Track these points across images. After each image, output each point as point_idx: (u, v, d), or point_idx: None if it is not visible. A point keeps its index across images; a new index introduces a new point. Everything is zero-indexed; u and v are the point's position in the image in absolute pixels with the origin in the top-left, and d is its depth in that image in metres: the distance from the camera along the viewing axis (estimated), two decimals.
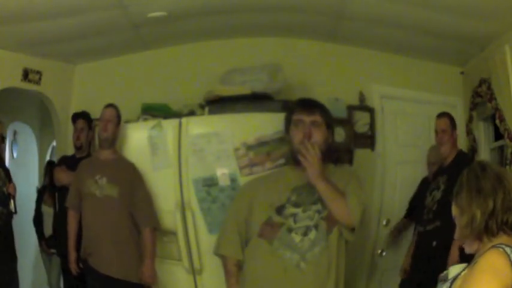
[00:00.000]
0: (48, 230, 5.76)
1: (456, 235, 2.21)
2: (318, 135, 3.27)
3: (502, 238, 2.10)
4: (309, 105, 3.38)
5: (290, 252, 3.17)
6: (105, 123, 4.18)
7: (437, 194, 4.12)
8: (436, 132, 4.28)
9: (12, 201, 4.30)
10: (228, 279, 3.41)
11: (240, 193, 3.59)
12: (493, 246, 2.08)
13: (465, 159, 4.17)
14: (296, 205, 3.22)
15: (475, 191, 2.14)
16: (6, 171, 4.48)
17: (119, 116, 4.25)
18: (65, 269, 4.80)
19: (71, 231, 4.23)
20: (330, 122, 3.38)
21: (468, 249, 2.19)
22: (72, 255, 4.23)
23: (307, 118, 3.29)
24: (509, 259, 2.05)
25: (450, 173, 4.10)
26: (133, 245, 4.11)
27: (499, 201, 2.10)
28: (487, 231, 2.11)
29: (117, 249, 4.04)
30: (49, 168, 5.98)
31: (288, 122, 3.38)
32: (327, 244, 3.17)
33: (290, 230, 3.20)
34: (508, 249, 2.06)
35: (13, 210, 4.31)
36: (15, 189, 4.35)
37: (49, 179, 5.60)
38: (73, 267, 4.25)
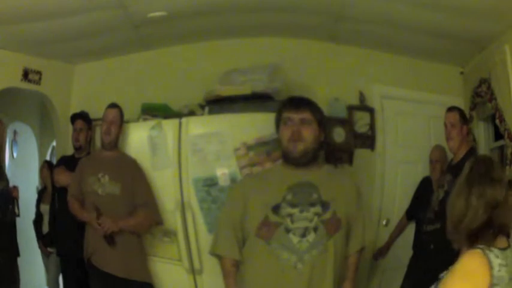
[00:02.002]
0: (46, 228, 5.76)
1: (448, 233, 2.22)
2: (307, 133, 3.26)
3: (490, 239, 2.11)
4: (298, 102, 3.37)
5: (288, 253, 3.17)
6: (108, 125, 4.15)
7: (441, 194, 4.10)
8: (445, 125, 4.18)
9: (16, 204, 4.32)
10: (226, 279, 3.40)
11: (233, 192, 3.56)
12: (472, 248, 2.08)
13: None
14: (292, 205, 3.21)
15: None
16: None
17: (122, 117, 4.24)
18: (64, 269, 4.81)
19: (78, 211, 4.08)
20: (322, 120, 3.36)
21: (456, 246, 2.21)
22: (91, 218, 3.98)
23: (296, 116, 3.28)
24: (488, 259, 2.04)
25: (455, 172, 4.08)
26: (136, 244, 4.11)
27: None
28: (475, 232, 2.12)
29: (120, 247, 4.03)
30: (47, 169, 6.01)
31: (278, 120, 3.37)
32: (326, 248, 3.16)
33: (288, 231, 3.18)
34: (487, 251, 2.06)
35: (17, 214, 4.33)
36: (18, 192, 4.37)
37: (50, 179, 5.60)
38: (96, 224, 3.99)
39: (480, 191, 2.15)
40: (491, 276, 2.04)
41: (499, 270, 2.05)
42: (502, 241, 2.14)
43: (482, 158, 2.32)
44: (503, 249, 2.12)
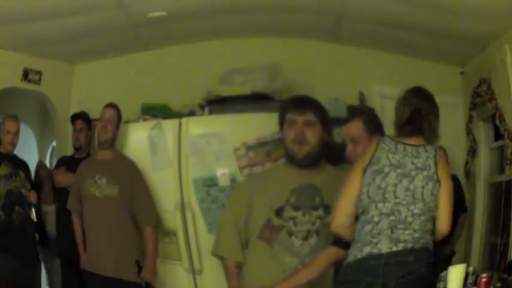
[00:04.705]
0: (51, 230, 5.74)
1: None
2: (311, 135, 3.26)
3: None
4: (302, 104, 3.36)
5: (290, 256, 3.17)
6: (105, 124, 4.16)
7: None
8: (345, 142, 3.25)
9: (33, 209, 4.28)
10: (229, 281, 3.40)
11: (238, 193, 3.56)
12: None
13: None
14: (295, 208, 3.21)
15: None
16: (28, 175, 4.45)
17: (119, 116, 4.24)
18: (64, 270, 4.81)
19: (78, 235, 4.20)
20: (326, 120, 3.36)
21: None
22: (85, 258, 4.20)
23: (299, 118, 3.28)
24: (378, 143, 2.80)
25: None
26: (135, 244, 4.11)
27: None
28: None
29: (119, 249, 4.04)
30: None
31: (282, 121, 3.37)
32: None
33: (290, 234, 3.19)
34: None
35: (34, 219, 4.30)
36: (36, 198, 4.33)
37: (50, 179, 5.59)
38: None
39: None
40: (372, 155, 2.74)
41: (381, 151, 2.72)
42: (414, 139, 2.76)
43: None
44: (408, 143, 2.74)
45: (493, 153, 4.83)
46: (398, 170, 2.68)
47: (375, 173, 2.70)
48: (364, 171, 2.72)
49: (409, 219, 2.64)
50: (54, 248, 5.70)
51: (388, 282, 2.59)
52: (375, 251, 2.63)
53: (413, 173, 2.68)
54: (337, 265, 3.20)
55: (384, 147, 2.74)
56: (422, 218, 2.66)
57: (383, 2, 4.14)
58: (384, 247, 2.63)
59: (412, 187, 2.67)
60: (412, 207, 2.65)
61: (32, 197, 4.29)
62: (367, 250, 2.65)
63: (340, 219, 2.76)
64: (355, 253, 2.68)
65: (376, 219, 2.67)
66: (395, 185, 2.67)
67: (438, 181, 2.69)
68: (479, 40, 4.39)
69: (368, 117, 3.16)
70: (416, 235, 2.65)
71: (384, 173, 2.69)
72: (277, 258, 3.17)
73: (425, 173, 2.68)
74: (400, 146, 2.73)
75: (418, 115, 2.80)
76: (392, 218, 2.65)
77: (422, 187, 2.67)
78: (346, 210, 2.75)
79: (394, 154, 2.71)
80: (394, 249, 2.62)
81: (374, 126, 3.13)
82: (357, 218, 2.76)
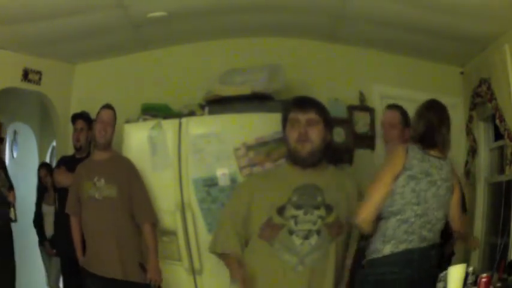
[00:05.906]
0: (49, 230, 5.76)
1: None
2: (314, 134, 3.27)
3: None
4: (305, 103, 3.37)
5: (289, 255, 3.17)
6: (103, 125, 4.16)
7: None
8: (383, 125, 4.01)
9: (12, 209, 4.28)
10: (230, 265, 3.30)
11: (238, 191, 3.56)
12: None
13: None
14: (297, 207, 3.21)
15: None
16: (6, 174, 4.46)
17: (115, 118, 4.25)
18: (64, 270, 4.81)
19: (76, 238, 4.20)
20: (328, 120, 3.37)
21: None
22: (82, 258, 4.20)
23: (302, 117, 3.28)
24: (407, 149, 3.14)
25: None
26: (136, 245, 4.11)
27: None
28: None
29: (120, 250, 4.03)
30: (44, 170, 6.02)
31: (285, 121, 3.37)
32: (327, 251, 3.18)
33: (291, 232, 3.19)
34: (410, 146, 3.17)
35: (13, 218, 4.29)
36: (15, 197, 4.33)
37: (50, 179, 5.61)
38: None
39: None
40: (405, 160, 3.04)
41: (413, 159, 3.03)
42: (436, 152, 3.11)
43: None
44: (432, 155, 3.09)
45: (493, 153, 4.83)
46: (428, 178, 3.06)
47: (409, 178, 3.04)
48: (397, 175, 3.03)
49: (434, 221, 3.08)
50: (53, 248, 5.75)
51: (421, 272, 3.00)
52: (410, 247, 3.01)
53: (439, 183, 3.09)
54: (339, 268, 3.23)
55: (415, 155, 3.08)
56: (442, 222, 3.13)
57: (383, 2, 4.14)
58: (416, 244, 3.02)
59: (437, 194, 3.08)
60: (436, 212, 3.08)
61: (11, 196, 4.28)
62: (402, 246, 3.02)
63: (369, 213, 3.02)
64: (391, 249, 3.02)
65: (412, 219, 3.03)
66: (426, 191, 3.05)
67: (453, 191, 3.17)
68: (479, 40, 4.39)
69: (403, 111, 3.87)
70: (436, 236, 3.11)
71: (417, 179, 3.04)
72: (276, 257, 3.18)
73: (446, 184, 3.12)
74: (426, 157, 3.09)
75: (432, 130, 3.13)
76: (423, 219, 3.04)
77: (444, 196, 3.11)
78: (377, 206, 3.03)
79: (423, 163, 3.07)
80: (422, 245, 3.04)
81: (405, 119, 3.81)
82: (378, 216, 3.07)
